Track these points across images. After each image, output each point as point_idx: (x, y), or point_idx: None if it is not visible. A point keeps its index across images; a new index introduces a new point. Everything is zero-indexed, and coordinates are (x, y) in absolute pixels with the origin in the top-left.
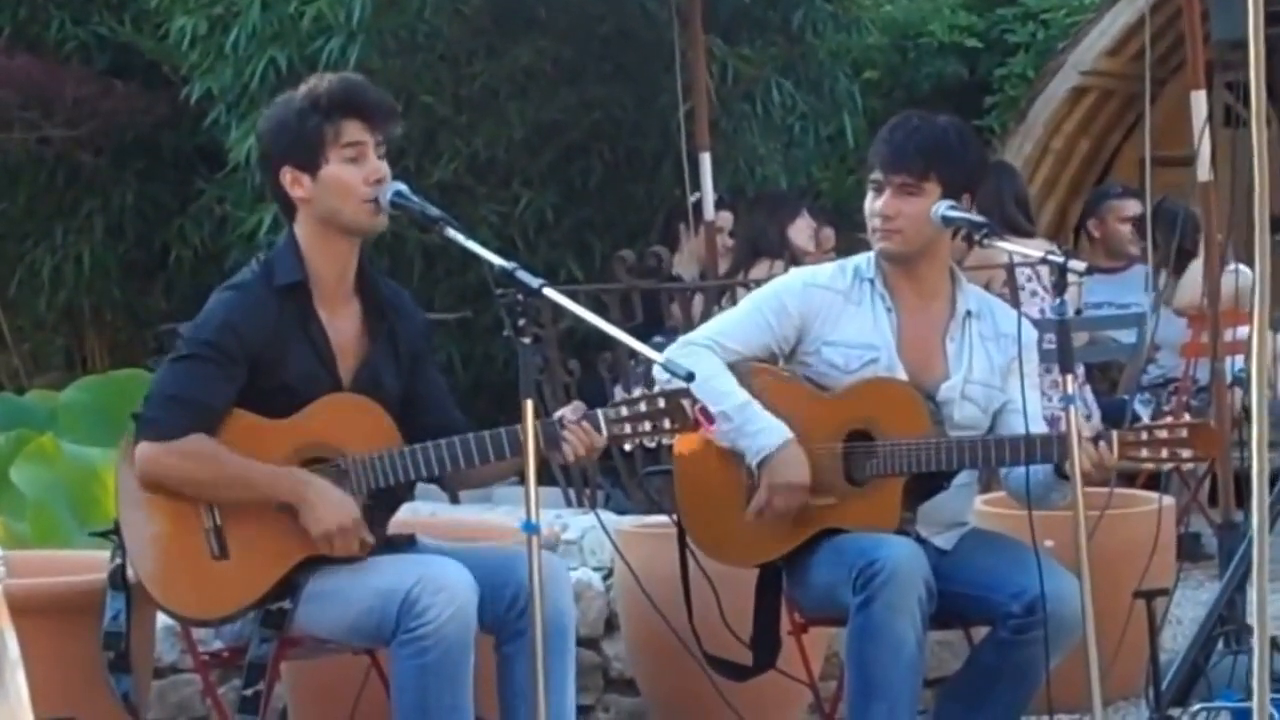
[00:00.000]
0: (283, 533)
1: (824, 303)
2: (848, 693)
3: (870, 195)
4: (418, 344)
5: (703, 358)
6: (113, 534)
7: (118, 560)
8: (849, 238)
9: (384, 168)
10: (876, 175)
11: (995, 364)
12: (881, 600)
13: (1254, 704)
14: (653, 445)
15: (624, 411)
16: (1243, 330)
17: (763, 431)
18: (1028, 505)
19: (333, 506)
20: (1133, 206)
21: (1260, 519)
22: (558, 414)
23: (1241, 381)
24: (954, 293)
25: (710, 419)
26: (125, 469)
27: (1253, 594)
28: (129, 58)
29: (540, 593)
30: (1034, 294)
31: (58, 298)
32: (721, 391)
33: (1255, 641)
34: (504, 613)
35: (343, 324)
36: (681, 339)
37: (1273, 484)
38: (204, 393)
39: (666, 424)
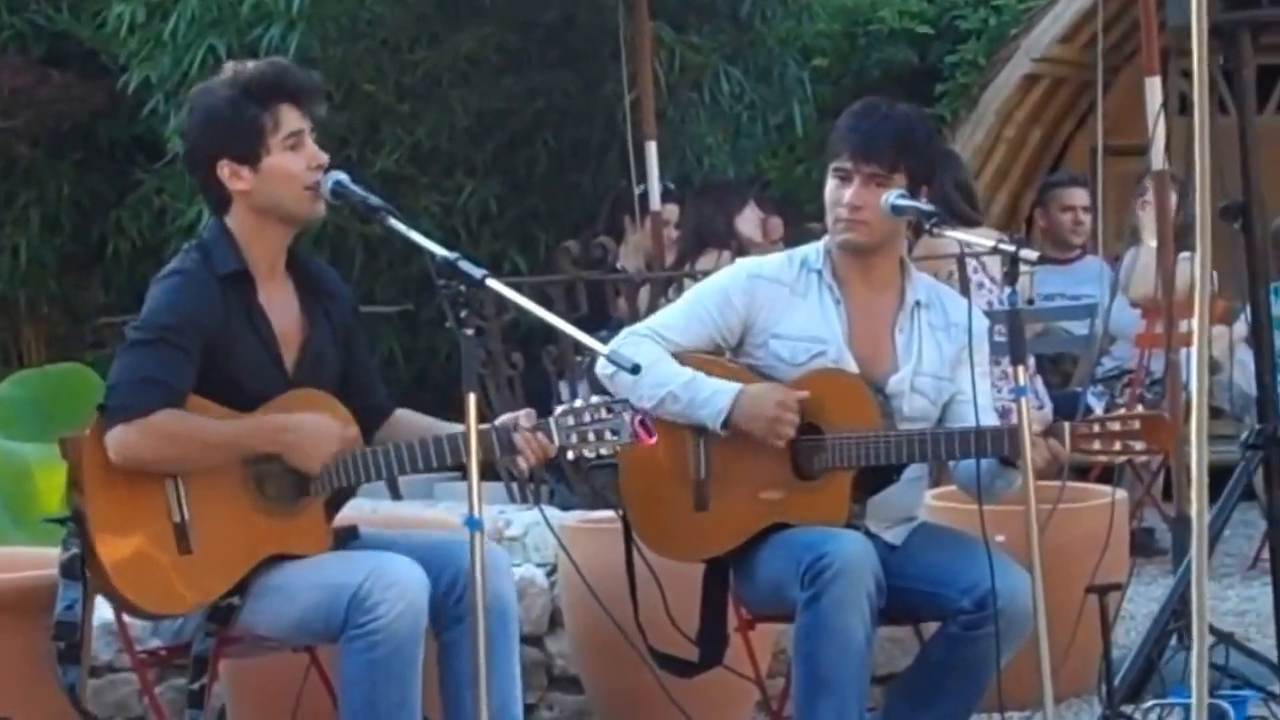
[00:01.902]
0: (248, 531)
1: (770, 295)
2: (795, 690)
3: (834, 184)
4: (349, 320)
5: (643, 346)
6: (68, 522)
7: (74, 550)
8: (797, 227)
9: (323, 153)
10: (844, 164)
11: (945, 355)
12: (830, 596)
13: (1193, 698)
14: (594, 456)
15: (570, 421)
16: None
17: (714, 395)
18: (978, 499)
19: (320, 437)
20: (1077, 196)
21: (1200, 507)
22: (508, 417)
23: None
24: (903, 283)
25: (650, 433)
26: (91, 458)
27: (1220, 590)
28: (66, 46)
29: (482, 587)
30: (980, 285)
31: None
32: (665, 375)
33: (1194, 632)
34: (443, 598)
35: (281, 309)
36: (625, 330)
37: (1226, 476)
38: (168, 374)
39: (609, 435)
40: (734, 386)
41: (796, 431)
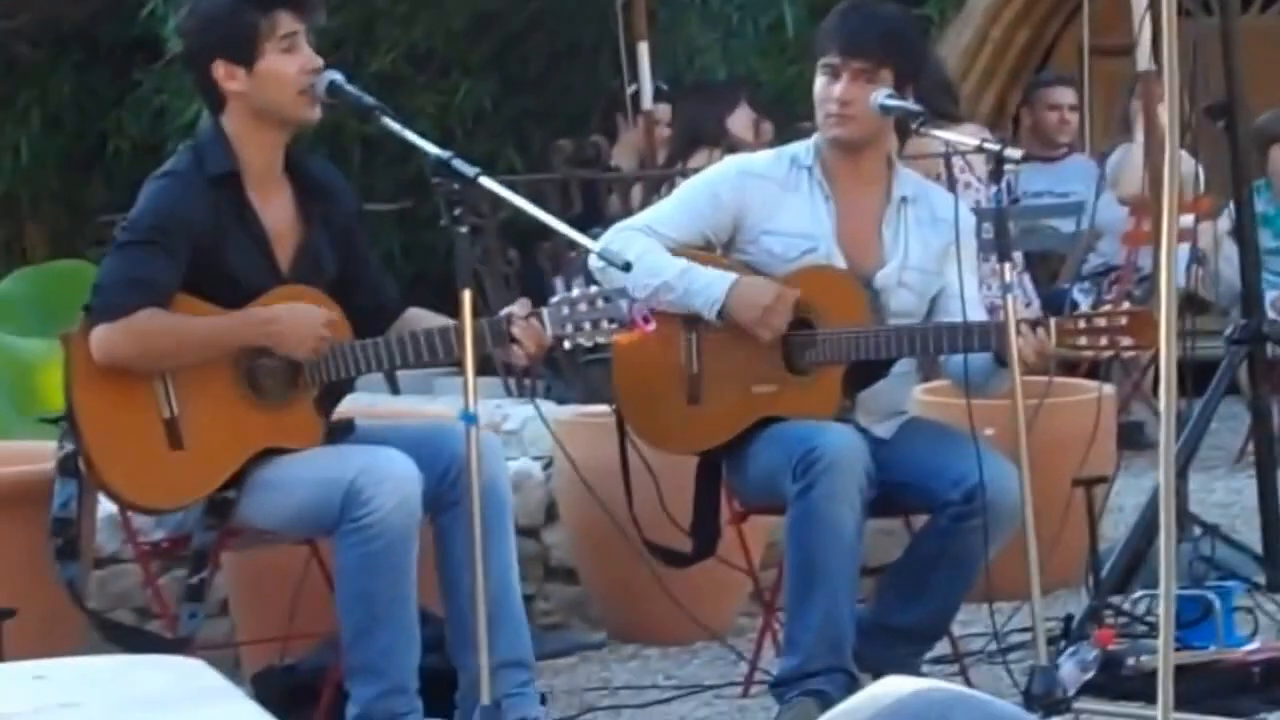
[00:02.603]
0: (239, 425)
1: (760, 191)
2: (787, 581)
3: (824, 80)
4: (350, 222)
5: (636, 239)
6: (63, 421)
7: (68, 448)
8: (789, 127)
9: (317, 57)
10: (832, 59)
11: (932, 250)
12: (821, 488)
13: (1161, 590)
14: (591, 345)
15: (565, 311)
16: (1185, 218)
17: (709, 284)
18: (966, 393)
19: (302, 324)
20: (1063, 94)
21: (1169, 407)
22: (505, 311)
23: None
24: (890, 179)
25: (648, 320)
26: (78, 357)
27: (1207, 482)
28: None
29: (477, 478)
30: (968, 185)
31: None
32: (658, 265)
33: (1161, 533)
34: (438, 484)
35: (276, 210)
36: (617, 225)
37: (1212, 371)
38: (152, 274)
39: (606, 324)
40: (730, 276)
41: (789, 327)
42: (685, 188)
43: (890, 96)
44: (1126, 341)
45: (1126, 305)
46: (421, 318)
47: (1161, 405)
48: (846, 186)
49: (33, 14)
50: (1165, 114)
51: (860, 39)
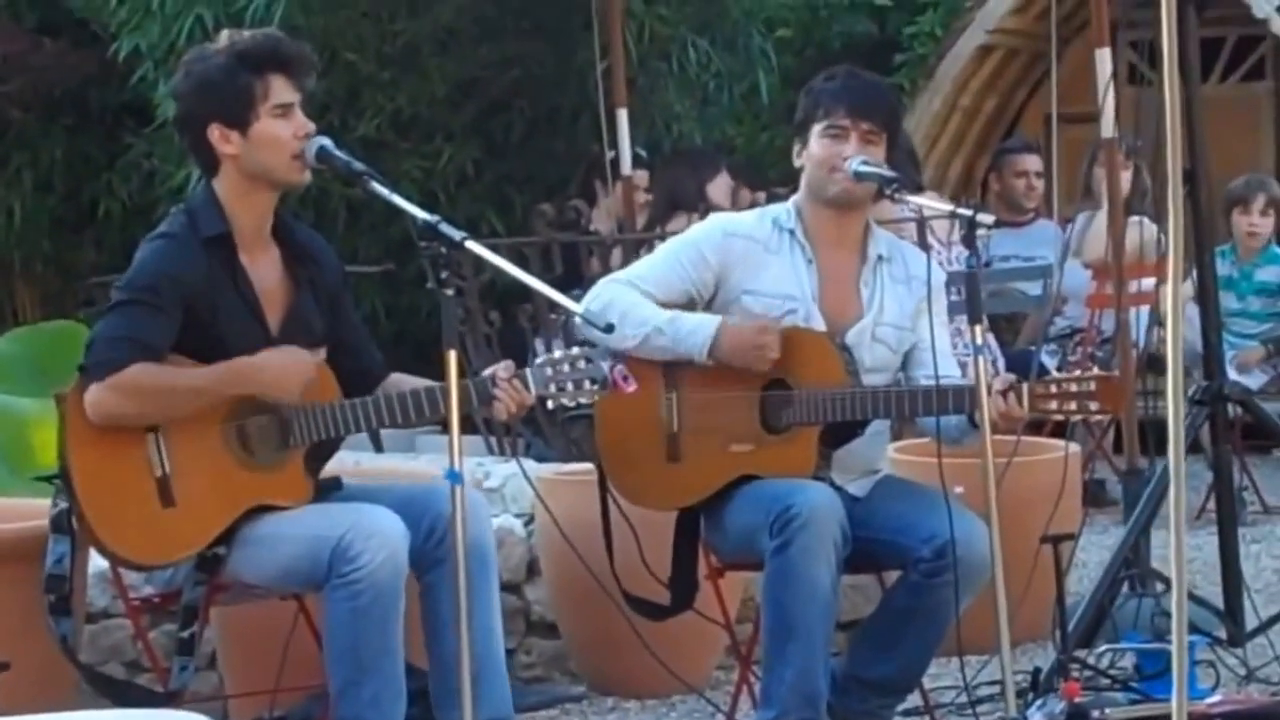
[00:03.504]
0: (229, 483)
1: (745, 251)
2: (764, 635)
3: (828, 140)
4: (337, 288)
5: (622, 292)
6: (56, 479)
7: (61, 505)
8: (767, 193)
9: (310, 122)
10: (841, 121)
11: (905, 307)
12: (798, 545)
13: (1173, 643)
14: (573, 405)
15: (549, 372)
16: (1147, 282)
17: (696, 328)
18: (938, 452)
19: (284, 368)
20: (1030, 161)
21: (1176, 464)
22: (489, 371)
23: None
24: (865, 239)
25: (628, 380)
26: (73, 417)
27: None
28: (58, 15)
29: (463, 536)
30: (930, 247)
31: None
32: (645, 316)
33: (1173, 582)
34: (423, 543)
35: (265, 272)
36: (602, 279)
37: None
38: (144, 332)
39: (588, 385)
40: (715, 319)
41: (764, 387)
42: (669, 245)
43: (865, 163)
44: (1095, 406)
45: (1095, 370)
46: (404, 382)
47: (1170, 449)
48: (827, 248)
49: (25, 79)
50: (1126, 181)
51: (869, 102)
